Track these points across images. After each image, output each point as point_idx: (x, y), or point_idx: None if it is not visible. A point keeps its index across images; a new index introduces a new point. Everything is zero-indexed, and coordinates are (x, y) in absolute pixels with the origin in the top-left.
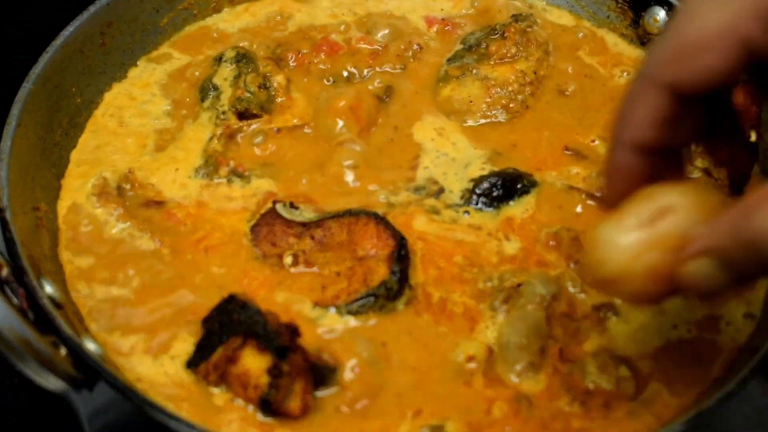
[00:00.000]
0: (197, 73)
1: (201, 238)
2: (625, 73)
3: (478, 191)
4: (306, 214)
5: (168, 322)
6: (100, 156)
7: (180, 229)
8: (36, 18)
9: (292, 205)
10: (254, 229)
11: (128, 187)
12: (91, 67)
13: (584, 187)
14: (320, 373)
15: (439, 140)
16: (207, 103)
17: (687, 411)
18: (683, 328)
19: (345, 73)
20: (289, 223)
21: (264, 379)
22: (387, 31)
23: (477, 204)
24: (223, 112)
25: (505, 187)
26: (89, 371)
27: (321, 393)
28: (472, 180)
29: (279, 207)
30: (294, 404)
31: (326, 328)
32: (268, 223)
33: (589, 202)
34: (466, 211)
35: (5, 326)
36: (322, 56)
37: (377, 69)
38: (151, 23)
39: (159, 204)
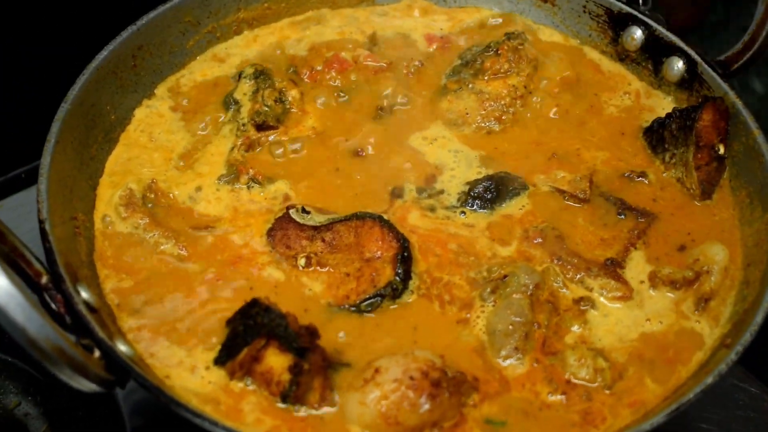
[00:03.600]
0: (218, 91)
1: (224, 242)
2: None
3: (473, 194)
4: (316, 218)
5: (194, 323)
6: (130, 168)
7: (204, 237)
8: (73, 42)
9: (304, 210)
10: (270, 233)
11: (152, 196)
12: (124, 86)
13: (569, 189)
14: (336, 370)
15: (439, 148)
16: (228, 116)
17: (667, 401)
18: (656, 321)
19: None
20: (302, 227)
21: (286, 376)
22: (391, 49)
23: (472, 206)
24: (243, 125)
25: (497, 189)
26: (121, 372)
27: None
28: (468, 183)
29: (292, 212)
30: (313, 398)
31: (339, 325)
32: (282, 227)
33: (573, 202)
34: (463, 212)
35: (40, 336)
36: (333, 72)
37: (384, 83)
38: (178, 45)
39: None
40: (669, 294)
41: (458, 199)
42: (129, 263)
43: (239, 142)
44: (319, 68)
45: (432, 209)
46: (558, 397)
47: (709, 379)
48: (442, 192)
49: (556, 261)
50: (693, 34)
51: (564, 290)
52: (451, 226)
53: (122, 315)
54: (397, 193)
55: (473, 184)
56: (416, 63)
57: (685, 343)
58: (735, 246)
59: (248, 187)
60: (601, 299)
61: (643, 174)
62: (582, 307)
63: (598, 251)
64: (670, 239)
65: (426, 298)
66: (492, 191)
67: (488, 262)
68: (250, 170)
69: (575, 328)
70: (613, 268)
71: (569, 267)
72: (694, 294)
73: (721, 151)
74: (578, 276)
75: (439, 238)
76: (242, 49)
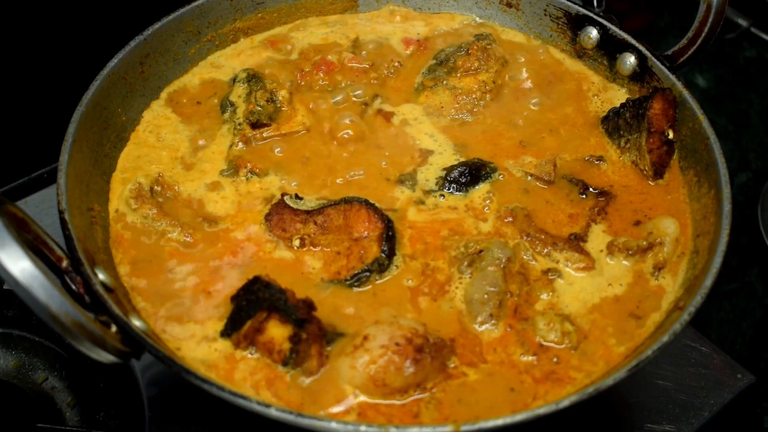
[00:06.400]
0: (216, 94)
1: (226, 230)
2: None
3: (449, 178)
4: (309, 203)
5: (202, 300)
6: (139, 165)
7: (209, 226)
8: (86, 52)
9: (297, 197)
10: (267, 218)
11: (159, 189)
12: (133, 91)
13: (535, 172)
14: (331, 338)
15: (421, 136)
16: (226, 117)
17: (628, 358)
18: (616, 285)
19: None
20: (296, 211)
21: (286, 345)
22: (372, 52)
23: (449, 189)
24: (240, 124)
25: (471, 174)
26: (136, 345)
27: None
28: (445, 169)
29: (286, 198)
30: (311, 364)
31: (331, 298)
32: (278, 212)
33: (539, 184)
34: (442, 195)
35: (61, 312)
36: (321, 74)
37: (366, 82)
38: (181, 53)
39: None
40: (624, 262)
41: (436, 183)
42: (140, 249)
43: (237, 140)
44: (307, 70)
45: (421, 201)
46: (530, 358)
47: (666, 338)
48: (422, 177)
49: (525, 237)
50: (643, 37)
51: (533, 262)
52: (442, 213)
53: (136, 294)
54: (385, 181)
55: (449, 170)
56: (396, 64)
57: (643, 306)
58: (686, 220)
59: (247, 179)
60: (567, 269)
61: (601, 158)
62: (550, 277)
63: (564, 227)
64: (626, 216)
65: (410, 273)
66: (466, 176)
67: (473, 239)
68: (248, 164)
69: (544, 296)
70: (576, 242)
71: (537, 242)
72: (649, 262)
73: (671, 135)
74: (545, 250)
75: (433, 227)
76: (239, 54)
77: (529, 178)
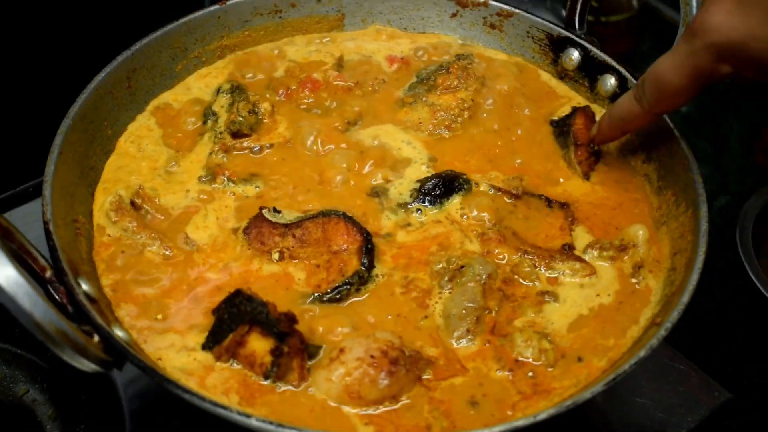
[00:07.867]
0: (199, 107)
1: (207, 243)
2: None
3: (423, 191)
4: (287, 216)
5: (184, 312)
6: (120, 176)
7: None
8: (74, 65)
9: (275, 210)
10: (246, 231)
11: (140, 201)
12: (119, 105)
13: (503, 186)
14: (311, 351)
15: (399, 147)
16: (208, 126)
17: (605, 373)
18: (604, 295)
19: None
20: (274, 225)
21: (268, 359)
22: (357, 70)
23: (423, 201)
24: (220, 133)
25: (445, 186)
26: (118, 354)
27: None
28: (419, 181)
29: (265, 212)
30: (292, 377)
31: (312, 311)
32: (256, 226)
33: (506, 199)
34: (418, 209)
35: (45, 320)
36: (306, 91)
37: (350, 99)
38: (168, 69)
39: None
40: (603, 263)
41: (410, 196)
42: (122, 261)
43: (217, 148)
44: (293, 88)
45: (408, 224)
46: (505, 373)
47: (642, 353)
48: (396, 191)
49: (523, 255)
50: (625, 61)
51: (533, 283)
52: (430, 228)
53: (118, 306)
54: (357, 194)
55: (423, 182)
56: (380, 81)
57: (622, 321)
58: (663, 238)
59: (224, 187)
60: (574, 279)
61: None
62: (546, 299)
63: (549, 240)
64: (595, 228)
65: (389, 286)
66: (440, 187)
67: (455, 254)
68: (226, 172)
69: (531, 314)
70: (570, 251)
71: (535, 257)
72: (627, 262)
73: (596, 147)
74: (545, 263)
75: (423, 245)
76: (224, 71)
77: (499, 192)
